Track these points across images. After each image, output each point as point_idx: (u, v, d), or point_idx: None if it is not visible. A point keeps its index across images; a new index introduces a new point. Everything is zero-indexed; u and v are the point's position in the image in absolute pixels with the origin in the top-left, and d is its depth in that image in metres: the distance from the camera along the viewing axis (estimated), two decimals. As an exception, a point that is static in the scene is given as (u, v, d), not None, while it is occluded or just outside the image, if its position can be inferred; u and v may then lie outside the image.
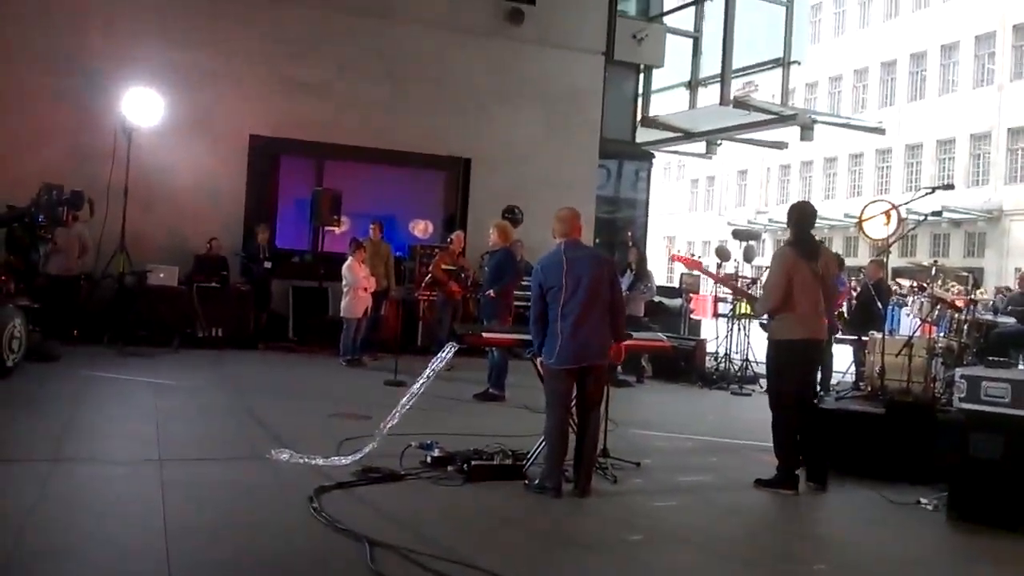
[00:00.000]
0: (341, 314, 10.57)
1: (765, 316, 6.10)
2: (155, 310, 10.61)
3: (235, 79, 12.52)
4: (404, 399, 5.65)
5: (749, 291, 8.55)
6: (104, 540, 3.94)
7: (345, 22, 13.11)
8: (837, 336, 9.30)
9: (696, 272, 10.37)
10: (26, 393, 7.18)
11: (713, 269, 10.95)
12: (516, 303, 9.54)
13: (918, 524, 5.17)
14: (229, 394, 8.08)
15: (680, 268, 41.33)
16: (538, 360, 5.39)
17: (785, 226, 6.56)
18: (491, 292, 8.96)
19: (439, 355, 5.87)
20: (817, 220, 6.43)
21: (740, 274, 12.44)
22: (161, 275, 11.08)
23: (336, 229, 12.39)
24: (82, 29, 11.78)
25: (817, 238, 6.26)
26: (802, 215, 6.01)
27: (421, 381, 5.67)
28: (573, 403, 5.32)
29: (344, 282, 10.47)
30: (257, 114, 12.69)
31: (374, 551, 3.85)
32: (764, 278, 6.16)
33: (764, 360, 6.20)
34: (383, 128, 13.20)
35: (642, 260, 11.11)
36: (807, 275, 5.70)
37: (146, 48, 11.88)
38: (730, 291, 8.32)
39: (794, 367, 5.73)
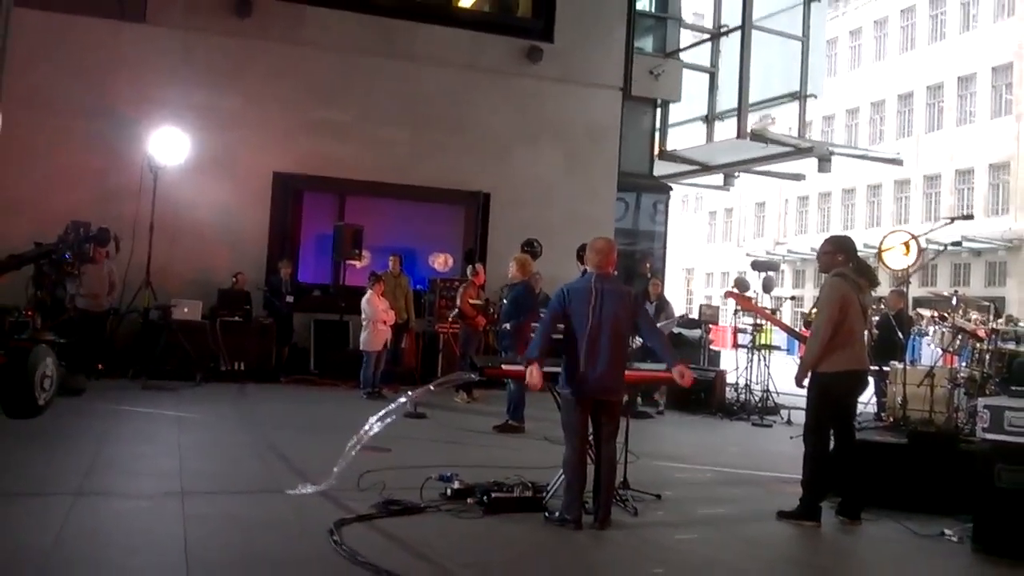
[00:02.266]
0: (361, 347, 10.63)
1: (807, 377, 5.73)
2: (179, 344, 10.73)
3: (259, 120, 12.78)
4: (393, 406, 5.69)
5: (798, 330, 8.39)
6: (126, 574, 3.98)
7: (367, 64, 13.37)
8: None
9: (748, 310, 10.32)
10: (51, 427, 7.27)
11: (733, 301, 10.96)
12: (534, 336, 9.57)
13: (943, 557, 5.11)
14: (251, 428, 8.14)
15: (699, 299, 41.23)
16: (530, 366, 5.28)
17: (804, 257, 6.52)
18: (507, 326, 9.03)
19: (444, 378, 5.92)
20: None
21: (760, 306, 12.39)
22: (185, 309, 11.22)
23: (357, 263, 12.53)
24: (111, 74, 12.08)
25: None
26: (850, 246, 5.95)
27: (414, 393, 5.71)
28: (590, 434, 5.33)
29: (363, 315, 10.55)
30: (280, 152, 12.93)
31: (395, 583, 3.87)
32: (814, 314, 5.92)
33: (785, 391, 6.15)
34: (404, 164, 13.39)
35: (662, 292, 11.22)
36: (858, 307, 5.65)
37: (173, 91, 12.18)
38: (783, 331, 8.18)
39: (840, 399, 5.70)
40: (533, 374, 5.23)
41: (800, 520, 5.56)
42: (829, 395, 5.64)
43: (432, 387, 5.74)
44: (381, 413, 5.63)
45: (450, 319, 10.87)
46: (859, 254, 6.03)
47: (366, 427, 5.60)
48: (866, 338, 8.09)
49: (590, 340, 5.17)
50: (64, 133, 11.78)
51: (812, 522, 5.54)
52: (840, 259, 5.84)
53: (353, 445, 5.58)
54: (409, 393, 5.76)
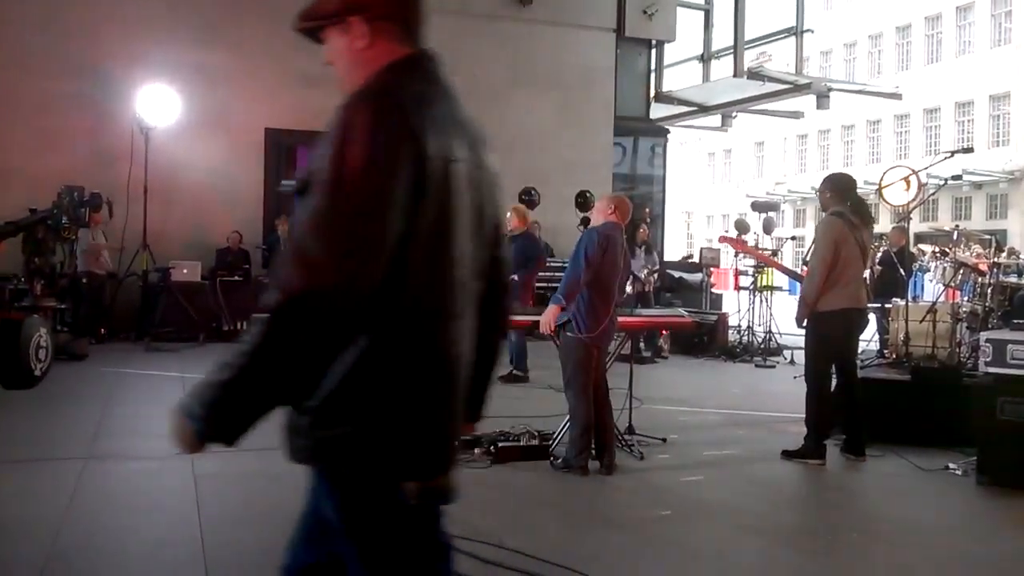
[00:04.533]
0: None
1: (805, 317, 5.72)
2: (180, 305, 10.72)
3: (248, 74, 12.58)
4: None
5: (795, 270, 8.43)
6: (140, 534, 4.01)
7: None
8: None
9: (745, 253, 10.34)
10: (57, 393, 7.26)
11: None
12: (537, 284, 9.58)
13: (948, 490, 5.15)
14: (256, 386, 8.16)
15: (700, 243, 41.17)
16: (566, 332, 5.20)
17: (804, 196, 6.48)
18: (514, 277, 9.01)
19: None
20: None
21: (761, 246, 12.38)
22: (184, 271, 11.19)
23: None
24: (95, 33, 11.86)
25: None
26: (848, 185, 5.92)
27: None
28: None
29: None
30: (272, 108, 12.75)
31: (406, 535, 3.89)
32: (809, 253, 5.98)
33: (788, 331, 6.16)
34: (396, 116, 13.20)
35: (649, 237, 11.45)
36: (853, 245, 5.63)
37: (159, 48, 11.95)
38: (781, 272, 8.21)
39: (837, 338, 5.70)
40: (551, 317, 5.12)
41: (805, 459, 5.60)
42: (827, 334, 5.65)
43: None
44: None
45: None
46: (858, 191, 5.99)
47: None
48: (868, 275, 8.07)
49: (615, 290, 5.30)
50: (51, 95, 11.61)
51: (817, 460, 5.58)
52: (836, 198, 5.81)
53: None
54: None
